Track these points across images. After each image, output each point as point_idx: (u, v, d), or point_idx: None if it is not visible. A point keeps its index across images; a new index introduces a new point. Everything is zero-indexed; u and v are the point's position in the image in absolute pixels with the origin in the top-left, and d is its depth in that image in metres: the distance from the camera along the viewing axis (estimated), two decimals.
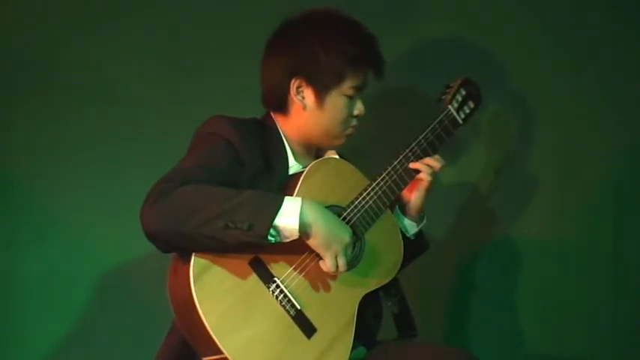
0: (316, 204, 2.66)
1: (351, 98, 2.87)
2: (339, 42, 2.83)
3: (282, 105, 2.88)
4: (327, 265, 2.68)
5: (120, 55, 3.53)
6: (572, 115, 3.55)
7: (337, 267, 2.68)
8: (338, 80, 2.84)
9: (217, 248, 2.57)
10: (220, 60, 3.55)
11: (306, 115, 2.86)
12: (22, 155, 3.49)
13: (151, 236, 2.59)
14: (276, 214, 2.57)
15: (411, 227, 2.99)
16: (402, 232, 2.94)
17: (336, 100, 2.85)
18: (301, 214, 2.59)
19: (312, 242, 2.65)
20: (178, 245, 2.58)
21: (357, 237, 2.79)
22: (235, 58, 3.53)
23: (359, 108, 2.89)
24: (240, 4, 3.56)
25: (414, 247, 2.98)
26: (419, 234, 3.02)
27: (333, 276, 2.73)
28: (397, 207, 2.99)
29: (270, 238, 2.56)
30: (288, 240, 2.60)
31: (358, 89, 2.87)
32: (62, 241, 3.47)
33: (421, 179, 2.92)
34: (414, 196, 2.96)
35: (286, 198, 2.61)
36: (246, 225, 2.53)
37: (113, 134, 3.51)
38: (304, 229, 2.61)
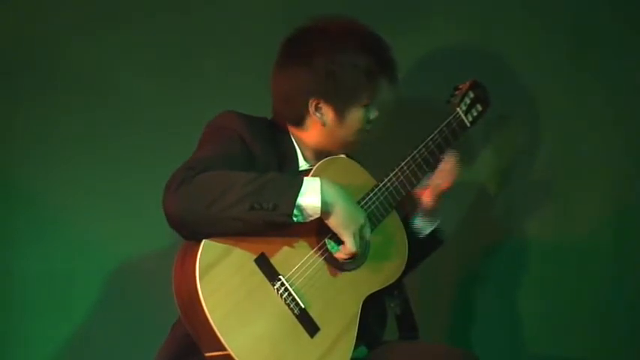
0: (334, 183, 2.69)
1: (367, 107, 2.89)
2: (352, 57, 2.83)
3: (298, 120, 2.89)
4: (347, 245, 2.69)
5: (120, 55, 3.53)
6: (572, 115, 3.56)
7: (357, 248, 2.70)
8: (356, 96, 2.85)
9: (242, 230, 2.59)
10: (220, 60, 3.55)
11: (325, 129, 2.88)
12: (22, 155, 3.48)
13: (176, 223, 2.60)
14: (299, 192, 2.59)
15: (426, 227, 3.02)
16: (415, 232, 2.97)
17: (355, 114, 2.87)
18: (322, 192, 2.63)
19: (332, 222, 2.67)
20: (203, 230, 2.59)
21: None
22: (236, 59, 3.53)
23: (374, 112, 2.92)
24: (241, 4, 3.56)
25: (428, 244, 3.03)
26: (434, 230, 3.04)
27: (338, 275, 2.73)
28: (412, 214, 3.02)
29: (293, 217, 2.59)
30: (311, 219, 2.63)
31: (374, 97, 2.89)
32: (62, 241, 3.47)
33: (442, 179, 2.97)
34: (432, 199, 2.98)
35: (305, 178, 2.64)
36: (271, 205, 2.56)
37: (113, 134, 3.51)
38: (326, 208, 2.64)
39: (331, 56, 2.82)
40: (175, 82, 3.54)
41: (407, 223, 2.98)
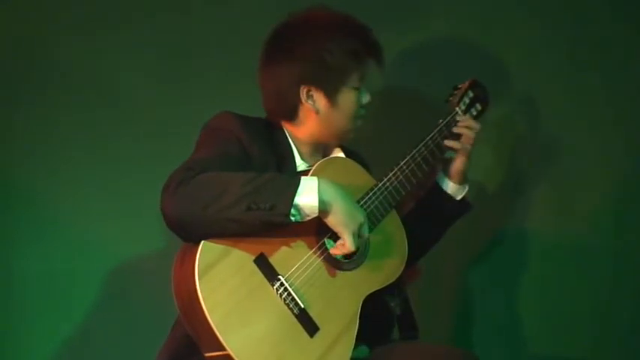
0: (332, 182, 2.68)
1: (357, 90, 2.90)
2: (339, 39, 2.85)
3: (291, 113, 2.90)
4: (346, 244, 2.69)
5: (120, 56, 3.53)
6: (572, 115, 3.56)
7: (357, 246, 2.70)
8: (346, 77, 2.86)
9: (239, 231, 2.59)
10: (220, 60, 3.55)
11: (320, 117, 2.88)
12: (22, 155, 3.48)
13: (174, 225, 2.61)
14: (296, 192, 2.59)
15: (458, 191, 3.05)
16: (447, 198, 3.03)
17: (347, 96, 2.88)
18: (320, 191, 2.62)
19: (330, 220, 2.67)
20: (201, 231, 2.59)
21: None
22: (235, 58, 3.53)
23: (366, 98, 2.93)
24: (241, 4, 3.56)
25: (459, 208, 3.07)
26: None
27: (337, 275, 2.74)
28: (441, 172, 3.05)
29: (291, 217, 2.59)
30: (308, 218, 2.63)
31: (362, 79, 2.91)
32: (62, 241, 3.47)
33: (465, 142, 3.00)
34: (459, 161, 3.01)
35: (303, 177, 2.64)
36: (269, 205, 2.56)
37: (113, 134, 3.51)
38: (323, 207, 2.64)
39: (317, 43, 2.84)
40: (175, 82, 3.54)
41: (409, 220, 2.98)
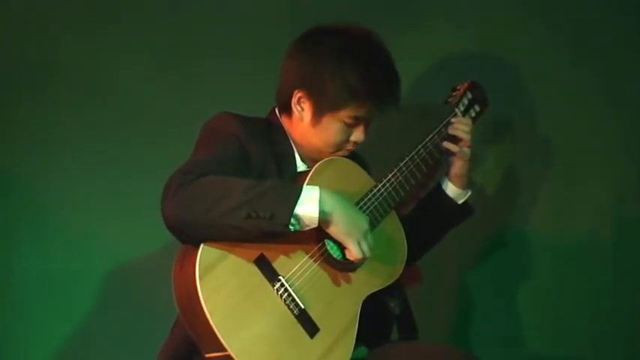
0: (333, 193, 2.68)
1: (350, 125, 2.85)
2: (349, 72, 2.79)
3: (285, 109, 2.90)
4: (352, 253, 2.69)
5: (120, 55, 3.53)
6: (572, 115, 3.56)
7: (363, 253, 2.70)
8: (335, 107, 2.82)
9: (239, 238, 2.59)
10: (220, 60, 3.55)
11: (303, 126, 2.87)
12: (22, 155, 3.48)
13: (173, 227, 2.60)
14: (296, 202, 2.58)
15: (460, 195, 3.05)
16: (448, 201, 3.03)
17: (330, 124, 2.84)
18: (320, 202, 2.61)
19: (332, 230, 2.67)
20: (201, 235, 2.58)
21: None
22: (236, 59, 3.53)
23: (357, 136, 2.88)
24: (241, 4, 3.55)
25: (460, 212, 3.07)
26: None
27: (337, 276, 2.74)
28: (444, 177, 3.05)
29: (290, 227, 2.58)
30: (308, 228, 2.63)
31: (360, 119, 2.85)
32: (62, 241, 3.47)
33: (463, 145, 2.99)
34: (458, 165, 3.01)
35: (304, 187, 2.63)
36: (268, 214, 2.55)
37: (113, 134, 3.51)
38: (324, 217, 2.63)
39: (332, 61, 2.80)
40: (175, 82, 3.54)
41: (409, 220, 2.99)
